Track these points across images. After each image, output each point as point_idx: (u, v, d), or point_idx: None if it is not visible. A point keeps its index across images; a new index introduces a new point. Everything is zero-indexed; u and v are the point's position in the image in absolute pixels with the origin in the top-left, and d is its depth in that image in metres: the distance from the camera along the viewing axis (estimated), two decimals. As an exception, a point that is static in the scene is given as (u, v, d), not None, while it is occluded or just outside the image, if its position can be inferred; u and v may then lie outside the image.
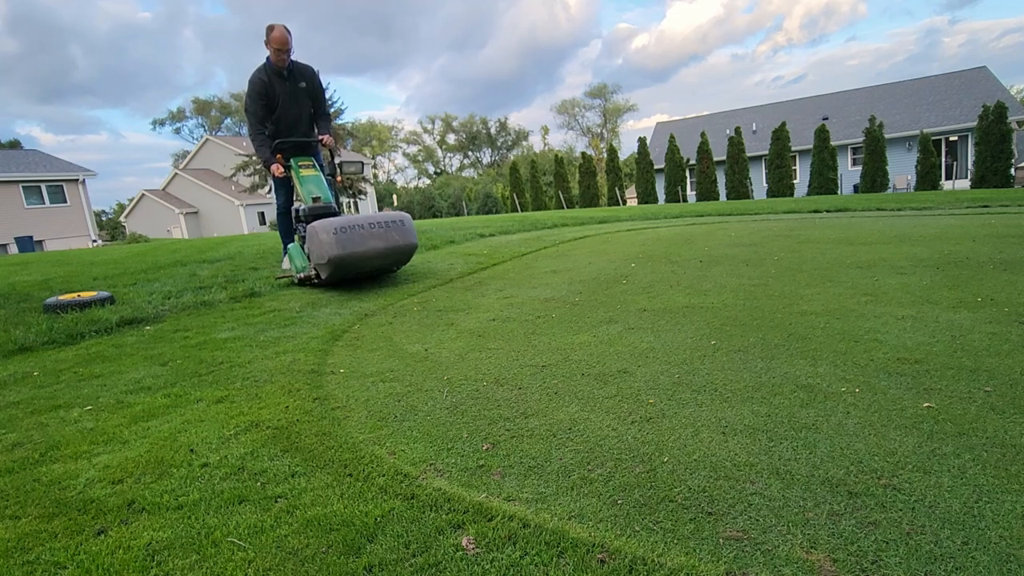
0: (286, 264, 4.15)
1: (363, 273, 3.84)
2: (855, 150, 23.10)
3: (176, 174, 35.80)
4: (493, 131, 51.96)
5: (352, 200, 31.67)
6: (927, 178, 18.10)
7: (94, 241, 24.53)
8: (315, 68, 4.13)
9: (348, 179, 28.88)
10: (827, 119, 23.75)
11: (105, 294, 3.87)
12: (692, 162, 22.20)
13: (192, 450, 1.52)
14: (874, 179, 18.82)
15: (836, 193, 19.17)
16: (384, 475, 1.31)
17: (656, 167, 23.42)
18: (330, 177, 4.06)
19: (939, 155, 20.28)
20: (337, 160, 4.08)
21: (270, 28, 3.73)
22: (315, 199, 3.88)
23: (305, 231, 3.64)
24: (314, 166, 4.02)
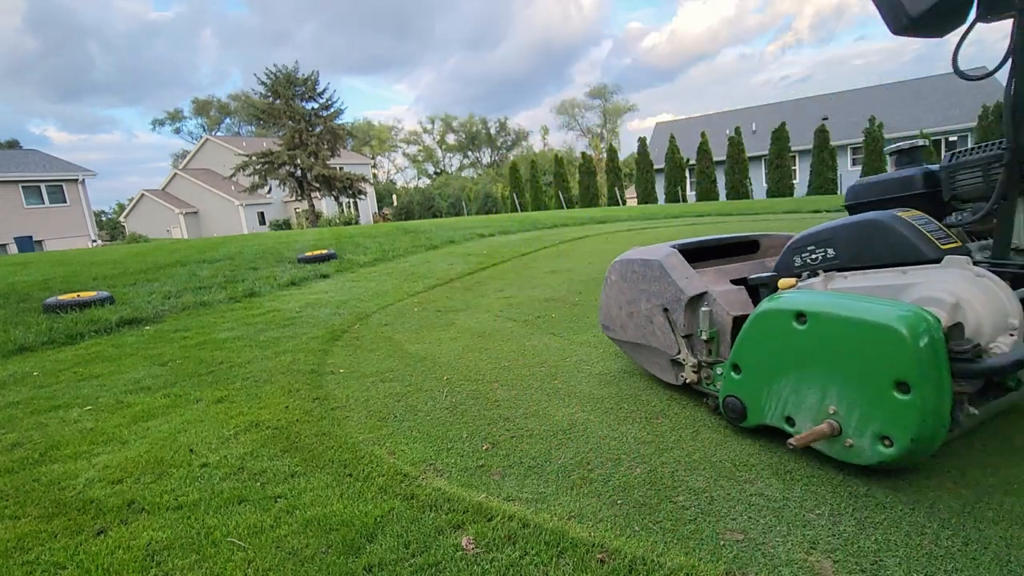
0: None
1: None
2: (855, 150, 23.11)
3: (176, 174, 35.83)
4: (493, 131, 52.04)
5: (352, 200, 31.70)
6: (927, 178, 18.08)
7: (94, 241, 24.55)
8: None
9: (348, 180, 28.82)
10: (827, 119, 23.75)
11: (105, 294, 3.87)
12: (692, 162, 22.22)
13: (192, 450, 1.52)
14: (874, 179, 18.79)
15: (836, 193, 19.18)
16: (384, 475, 1.31)
17: (656, 167, 23.42)
18: None
19: (939, 155, 20.27)
20: None
21: None
22: None
23: None
24: None
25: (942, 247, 1.25)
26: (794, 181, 21.83)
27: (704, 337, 1.50)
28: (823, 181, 19.50)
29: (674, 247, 1.70)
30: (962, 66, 1.19)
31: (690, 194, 23.02)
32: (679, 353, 1.59)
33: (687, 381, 1.59)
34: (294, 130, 28.46)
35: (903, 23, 1.22)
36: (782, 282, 1.46)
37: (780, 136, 20.30)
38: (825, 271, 1.40)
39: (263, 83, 28.53)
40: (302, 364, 2.24)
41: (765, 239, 1.70)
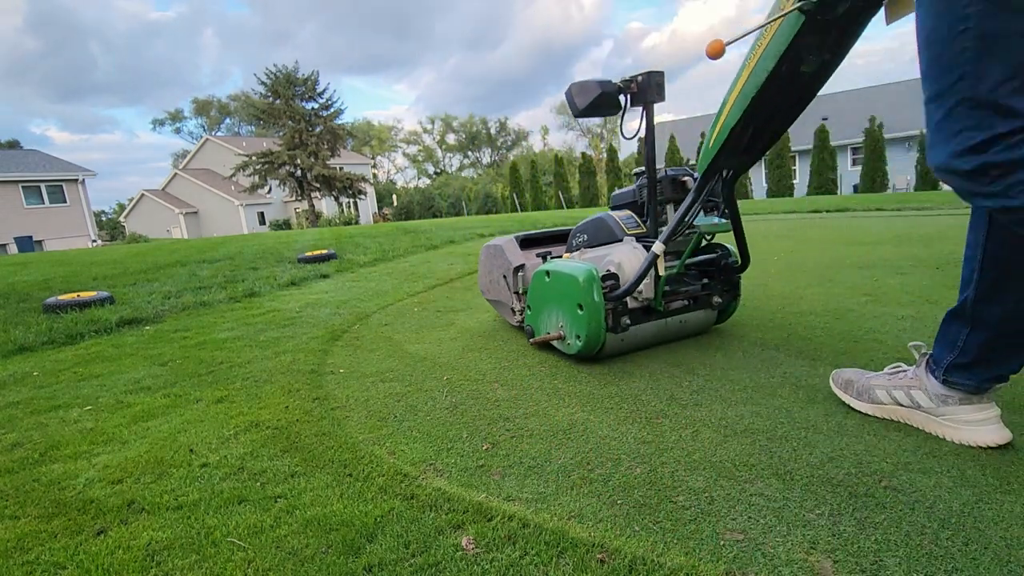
0: None
1: None
2: (855, 150, 23.12)
3: (176, 174, 35.81)
4: (493, 131, 52.00)
5: (352, 200, 31.64)
6: (927, 178, 18.12)
7: (94, 241, 24.55)
8: None
9: (348, 180, 28.83)
10: (827, 119, 23.74)
11: (105, 294, 3.88)
12: (692, 162, 22.20)
13: (192, 450, 1.52)
14: (874, 179, 18.83)
15: (836, 193, 19.18)
16: (384, 475, 1.31)
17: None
18: None
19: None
20: None
21: None
22: None
23: None
24: None
25: (628, 232, 2.09)
26: (794, 181, 21.83)
27: (521, 292, 2.36)
28: (823, 181, 19.51)
29: (514, 237, 2.53)
30: None
31: (690, 194, 22.97)
32: (514, 304, 2.41)
33: (518, 322, 2.41)
34: (294, 130, 28.43)
35: (577, 112, 2.04)
36: (564, 256, 2.26)
37: (780, 136, 20.25)
38: (582, 248, 2.26)
39: (263, 83, 28.50)
40: (302, 364, 2.24)
41: None
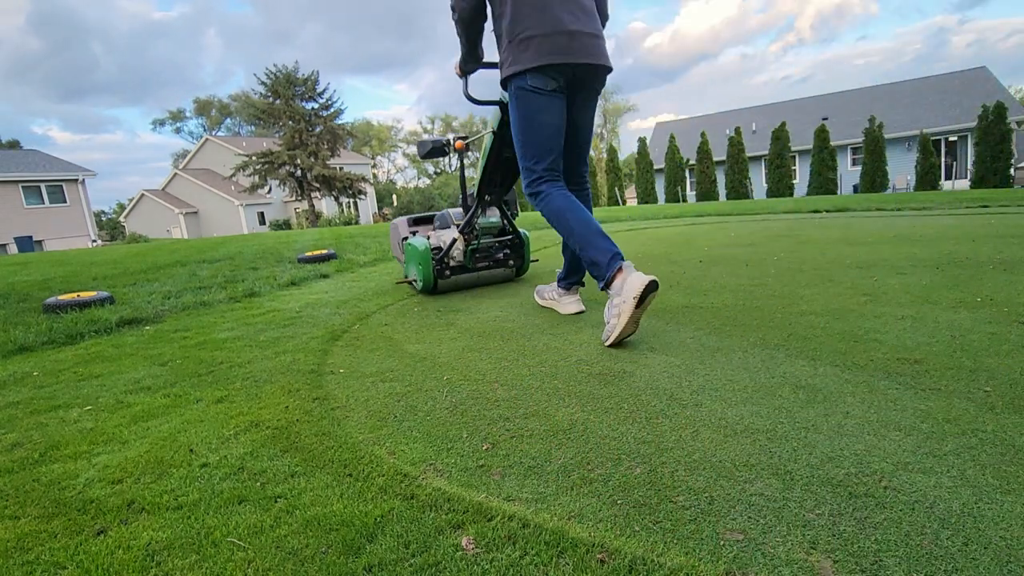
0: None
1: None
2: (855, 150, 23.10)
3: (176, 174, 35.79)
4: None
5: (352, 200, 31.60)
6: (926, 178, 18.14)
7: (94, 241, 24.55)
8: None
9: (348, 180, 28.79)
10: (827, 119, 23.74)
11: (105, 294, 3.88)
12: (692, 162, 22.19)
13: (192, 450, 1.52)
14: (874, 179, 18.82)
15: (836, 193, 19.18)
16: (384, 475, 1.31)
17: (656, 167, 23.39)
18: None
19: (938, 155, 20.28)
20: None
21: None
22: None
23: None
24: None
25: (455, 222, 3.41)
26: (794, 181, 21.83)
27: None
28: (823, 181, 19.51)
29: (407, 218, 3.76)
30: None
31: (690, 194, 23.01)
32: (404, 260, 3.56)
33: (405, 273, 3.57)
34: (294, 130, 28.41)
35: (421, 156, 3.34)
36: (430, 233, 3.51)
37: (780, 136, 20.29)
38: (436, 229, 3.54)
39: (263, 83, 28.48)
40: (302, 364, 2.24)
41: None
